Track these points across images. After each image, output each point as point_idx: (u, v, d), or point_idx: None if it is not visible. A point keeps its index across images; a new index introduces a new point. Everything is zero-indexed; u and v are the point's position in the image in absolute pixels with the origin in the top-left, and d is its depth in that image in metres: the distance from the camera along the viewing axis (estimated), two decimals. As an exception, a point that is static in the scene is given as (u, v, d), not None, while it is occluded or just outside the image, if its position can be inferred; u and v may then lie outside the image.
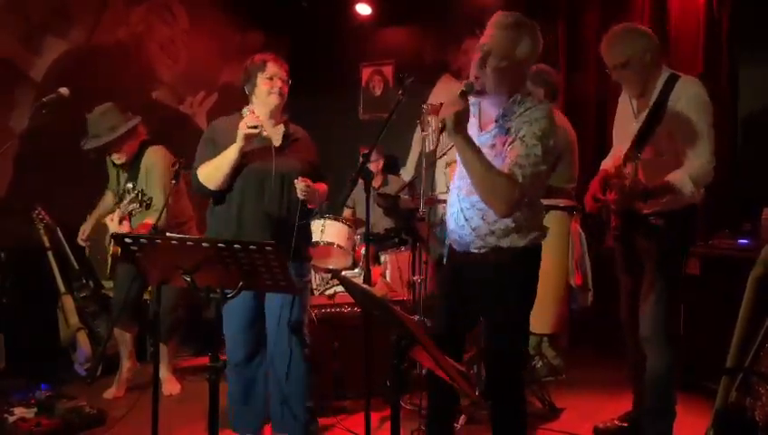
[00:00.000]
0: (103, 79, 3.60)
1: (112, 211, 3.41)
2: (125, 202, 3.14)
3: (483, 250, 2.25)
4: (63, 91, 3.17)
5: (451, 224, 2.35)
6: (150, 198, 3.01)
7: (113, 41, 4.67)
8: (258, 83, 2.77)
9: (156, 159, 3.51)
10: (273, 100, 2.75)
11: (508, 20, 2.17)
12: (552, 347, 3.91)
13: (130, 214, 3.21)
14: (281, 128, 2.85)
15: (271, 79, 2.75)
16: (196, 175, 2.73)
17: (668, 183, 2.57)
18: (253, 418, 2.91)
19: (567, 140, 3.75)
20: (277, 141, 2.81)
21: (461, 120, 2.06)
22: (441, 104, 2.41)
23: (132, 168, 3.52)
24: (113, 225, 3.23)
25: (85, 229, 3.74)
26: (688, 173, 2.57)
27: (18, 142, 3.98)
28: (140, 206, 3.03)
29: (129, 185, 3.40)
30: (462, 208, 2.28)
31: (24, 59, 4.17)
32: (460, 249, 2.33)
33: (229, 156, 2.65)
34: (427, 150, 3.59)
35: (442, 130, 2.07)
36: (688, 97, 2.62)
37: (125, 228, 3.21)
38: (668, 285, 2.70)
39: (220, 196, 2.75)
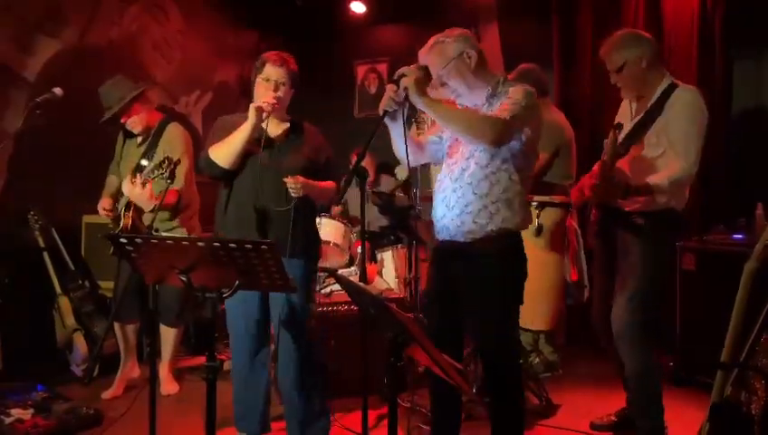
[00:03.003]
0: (97, 79, 3.59)
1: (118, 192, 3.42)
2: (147, 170, 3.07)
3: (470, 237, 2.30)
4: (57, 91, 3.15)
5: (440, 209, 2.38)
6: (175, 166, 2.86)
7: (106, 41, 4.65)
8: (256, 84, 2.77)
9: (177, 134, 3.54)
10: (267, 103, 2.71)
11: (426, 48, 2.38)
12: (549, 343, 3.93)
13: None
14: (284, 126, 2.84)
15: (267, 81, 2.74)
16: (205, 157, 2.73)
17: (648, 185, 2.62)
18: (253, 419, 2.90)
19: (564, 137, 3.76)
20: (278, 140, 2.81)
21: (421, 84, 2.22)
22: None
23: (150, 143, 3.51)
24: (137, 189, 3.15)
25: (107, 201, 3.56)
26: (668, 177, 2.62)
27: (12, 143, 3.96)
28: (165, 172, 2.87)
29: (144, 162, 3.38)
30: (454, 188, 2.33)
31: (16, 59, 4.15)
32: (447, 238, 2.37)
33: (243, 131, 2.66)
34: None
35: (406, 97, 2.22)
36: (683, 103, 2.68)
37: (147, 193, 3.16)
38: (643, 284, 2.71)
39: (226, 178, 2.75)
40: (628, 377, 2.80)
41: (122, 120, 3.51)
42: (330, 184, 2.84)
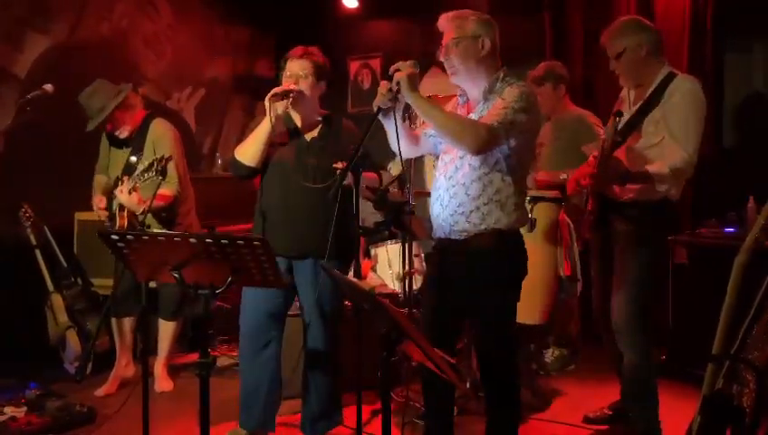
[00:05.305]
0: (88, 75, 3.56)
1: (109, 189, 3.39)
2: (137, 173, 3.00)
3: (464, 235, 2.30)
4: (48, 87, 3.14)
5: (435, 208, 2.39)
6: (165, 166, 2.81)
7: (96, 36, 4.62)
8: (283, 82, 2.78)
9: (163, 131, 3.50)
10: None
11: (449, 16, 2.41)
12: (559, 340, 3.93)
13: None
14: (315, 123, 2.84)
15: (289, 76, 2.75)
16: (232, 158, 2.80)
17: (647, 172, 2.62)
18: (257, 415, 2.87)
19: None
20: (311, 135, 2.81)
21: (414, 79, 2.22)
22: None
23: (136, 141, 3.48)
24: (123, 196, 3.12)
25: (101, 199, 3.51)
26: (669, 165, 2.62)
27: (3, 140, 3.94)
28: (155, 174, 2.82)
29: (134, 158, 3.35)
30: (448, 187, 2.33)
31: (6, 56, 4.12)
32: (442, 236, 2.37)
33: (262, 128, 2.70)
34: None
35: (397, 91, 2.21)
36: (682, 92, 2.68)
37: (135, 199, 3.12)
38: (641, 273, 2.72)
39: (253, 176, 2.79)
40: (625, 367, 2.80)
41: (107, 129, 3.49)
42: (372, 175, 2.82)
